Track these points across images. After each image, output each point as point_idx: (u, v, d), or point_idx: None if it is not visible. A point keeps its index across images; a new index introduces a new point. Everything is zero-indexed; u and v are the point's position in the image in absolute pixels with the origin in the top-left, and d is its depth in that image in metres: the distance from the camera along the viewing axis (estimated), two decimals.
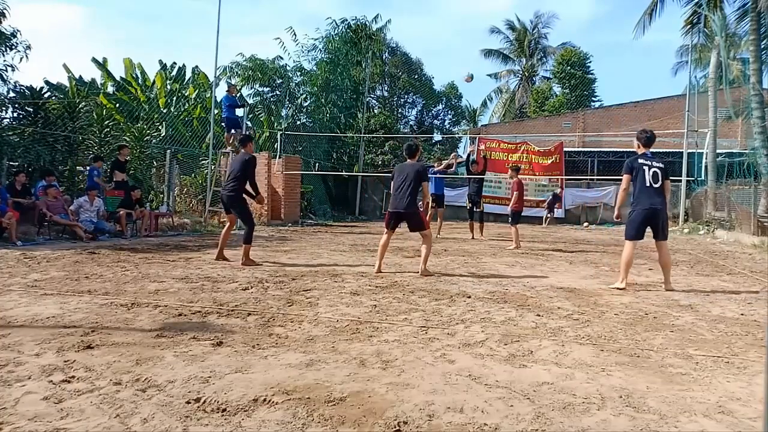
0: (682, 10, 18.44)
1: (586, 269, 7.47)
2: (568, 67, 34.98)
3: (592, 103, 35.06)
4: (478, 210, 12.42)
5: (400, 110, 34.38)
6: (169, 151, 14.15)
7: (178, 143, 15.86)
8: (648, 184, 5.68)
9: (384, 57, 30.45)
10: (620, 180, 5.97)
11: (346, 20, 22.56)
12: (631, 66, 79.95)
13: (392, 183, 6.70)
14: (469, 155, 14.80)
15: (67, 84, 16.93)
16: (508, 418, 2.34)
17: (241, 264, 6.79)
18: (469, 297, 5.09)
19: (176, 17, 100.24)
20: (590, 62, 36.02)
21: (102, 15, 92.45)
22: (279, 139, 17.83)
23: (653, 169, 5.72)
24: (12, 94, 12.76)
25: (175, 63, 19.49)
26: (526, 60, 40.07)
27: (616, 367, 3.08)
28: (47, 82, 16.07)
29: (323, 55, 22.19)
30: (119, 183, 11.48)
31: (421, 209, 7.08)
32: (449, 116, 36.47)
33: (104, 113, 15.00)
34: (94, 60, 18.91)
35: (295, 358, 3.10)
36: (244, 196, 7.14)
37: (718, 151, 18.93)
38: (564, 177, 18.50)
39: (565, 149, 18.67)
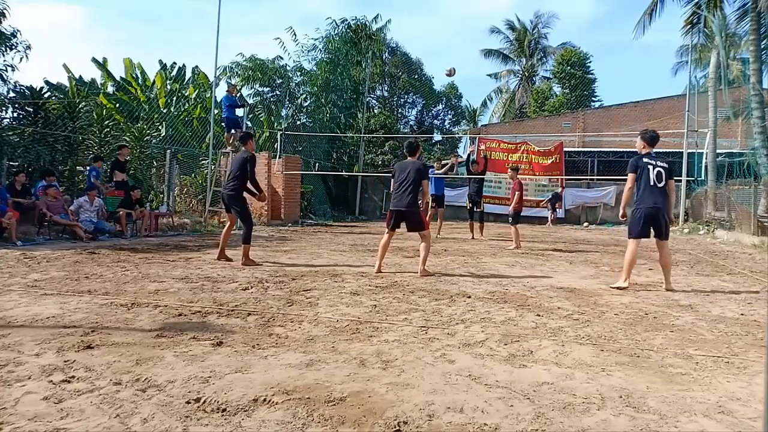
0: (682, 10, 18.48)
1: (586, 269, 7.47)
2: (568, 67, 34.99)
3: (592, 103, 35.08)
4: (478, 210, 12.42)
5: (400, 110, 34.40)
6: (169, 151, 14.15)
7: (178, 143, 15.86)
8: (652, 184, 5.69)
9: (384, 57, 30.46)
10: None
11: (346, 20, 22.57)
12: (631, 66, 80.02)
13: (393, 181, 6.69)
14: (469, 155, 14.80)
15: (67, 84, 16.92)
16: (508, 418, 2.34)
17: (241, 264, 6.79)
18: (469, 297, 5.09)
19: (176, 17, 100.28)
20: (590, 62, 36.07)
21: (102, 15, 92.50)
22: (279, 139, 17.83)
23: (657, 169, 5.73)
24: (12, 94, 12.76)
25: (175, 63, 19.50)
26: (526, 60, 40.08)
27: (616, 367, 3.08)
28: (47, 82, 16.08)
29: (323, 55, 22.19)
30: (119, 183, 11.48)
31: (421, 208, 7.07)
32: (449, 116, 36.52)
33: (104, 113, 14.99)
34: (94, 60, 18.92)
35: (295, 358, 3.10)
36: (245, 195, 7.14)
37: (718, 151, 18.93)
38: (564, 177, 18.50)
39: (565, 149, 18.65)
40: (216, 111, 14.67)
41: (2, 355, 3.01)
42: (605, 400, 2.57)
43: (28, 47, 12.31)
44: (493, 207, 17.77)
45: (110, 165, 11.89)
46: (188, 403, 2.43)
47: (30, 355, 3.03)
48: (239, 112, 14.45)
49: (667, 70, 77.60)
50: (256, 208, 13.54)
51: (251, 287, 5.30)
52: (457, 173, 19.75)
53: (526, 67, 40.06)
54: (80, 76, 17.97)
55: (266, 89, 21.86)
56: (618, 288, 5.72)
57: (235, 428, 2.19)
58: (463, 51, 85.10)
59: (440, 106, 35.63)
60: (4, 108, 12.78)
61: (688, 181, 18.14)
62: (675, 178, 6.02)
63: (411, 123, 34.48)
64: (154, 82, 18.64)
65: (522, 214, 10.79)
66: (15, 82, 12.65)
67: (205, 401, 2.44)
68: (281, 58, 21.79)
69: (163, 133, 16.51)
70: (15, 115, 12.87)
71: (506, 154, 18.15)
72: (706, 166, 18.79)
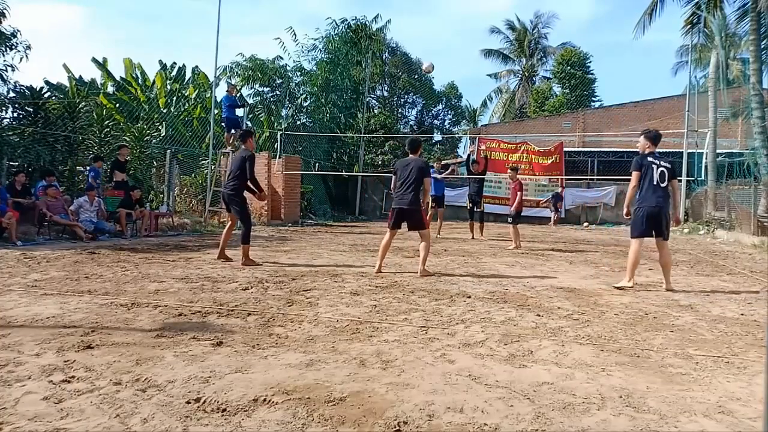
0: (682, 10, 18.46)
1: (586, 269, 7.47)
2: (568, 67, 34.99)
3: (592, 103, 35.08)
4: (478, 210, 12.43)
5: (400, 110, 34.41)
6: (169, 151, 14.15)
7: (178, 143, 15.86)
8: (655, 183, 5.69)
9: (384, 57, 30.45)
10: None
11: (346, 20, 22.56)
12: (631, 66, 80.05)
13: (394, 178, 6.65)
14: (469, 155, 14.82)
15: (67, 84, 16.92)
16: (508, 418, 2.34)
17: (241, 264, 6.79)
18: (469, 297, 5.09)
19: (176, 17, 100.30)
20: (590, 62, 36.07)
21: (102, 15, 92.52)
22: (279, 139, 17.83)
23: (661, 168, 5.73)
24: (12, 94, 12.76)
25: (175, 63, 19.50)
26: (526, 60, 40.07)
27: (616, 367, 3.08)
28: (47, 82, 16.07)
29: (323, 55, 22.19)
30: (119, 183, 11.48)
31: (422, 207, 7.04)
32: (449, 116, 36.54)
33: (104, 113, 14.99)
34: (94, 60, 18.92)
35: (295, 358, 3.10)
36: (246, 194, 7.14)
37: (718, 151, 18.93)
38: (564, 177, 18.51)
39: (565, 149, 18.68)
40: (216, 111, 14.68)
41: (2, 355, 3.01)
42: (605, 400, 2.57)
43: (28, 47, 12.32)
44: (493, 207, 17.77)
45: (110, 165, 11.90)
46: (188, 403, 2.42)
47: (30, 355, 3.03)
48: (239, 112, 14.45)
49: (667, 70, 77.73)
50: (256, 208, 13.55)
51: (251, 287, 5.30)
52: (458, 173, 19.74)
53: (526, 67, 40.06)
54: (80, 76, 17.98)
55: (266, 89, 21.86)
56: (622, 288, 5.71)
57: (235, 428, 2.19)
58: (463, 51, 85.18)
59: (440, 106, 35.66)
60: (4, 108, 12.78)
61: (688, 181, 18.14)
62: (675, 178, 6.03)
63: (411, 123, 34.49)
64: (154, 82, 18.64)
65: (522, 214, 10.79)
66: (15, 82, 12.66)
67: (205, 401, 2.44)
68: (281, 58, 21.81)
69: (163, 133, 16.51)
70: (15, 115, 12.87)
71: (506, 154, 18.18)
72: (706, 166, 18.79)
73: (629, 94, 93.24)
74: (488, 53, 39.73)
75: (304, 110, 22.13)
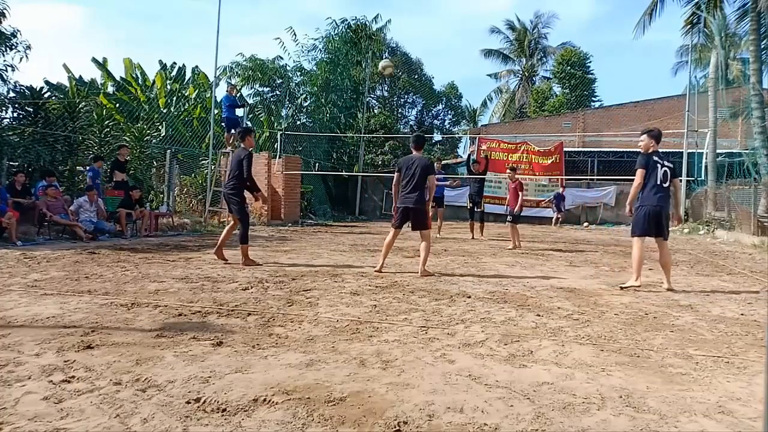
0: (682, 10, 18.48)
1: (586, 269, 7.47)
2: (568, 67, 34.97)
3: (592, 103, 35.06)
4: (479, 210, 12.43)
5: (400, 110, 34.40)
6: (169, 151, 14.15)
7: (178, 143, 15.86)
8: (658, 183, 5.68)
9: (384, 57, 30.44)
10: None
11: (346, 20, 22.57)
12: (631, 66, 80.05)
13: (397, 175, 6.61)
14: (469, 155, 14.81)
15: (67, 84, 16.93)
16: (508, 418, 2.34)
17: (241, 264, 6.79)
18: (469, 297, 5.09)
19: (176, 17, 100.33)
20: (590, 62, 36.04)
21: (102, 15, 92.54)
22: (279, 139, 17.84)
23: (664, 168, 5.72)
24: (12, 94, 12.76)
25: (175, 63, 19.52)
26: (526, 60, 40.07)
27: (616, 367, 3.08)
28: (47, 82, 16.08)
29: (323, 55, 22.20)
30: (119, 183, 11.48)
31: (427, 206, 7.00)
32: (449, 116, 36.52)
33: (104, 113, 15.00)
34: (94, 60, 18.93)
35: (295, 358, 3.10)
36: (246, 194, 7.13)
37: (718, 151, 18.93)
38: (564, 177, 18.50)
39: (565, 149, 18.66)
40: (216, 111, 14.68)
41: (2, 355, 3.01)
42: (605, 400, 2.57)
43: (28, 47, 12.33)
44: (493, 207, 17.76)
45: (110, 165, 11.90)
46: (188, 403, 2.42)
47: (30, 355, 3.03)
48: (239, 112, 14.45)
49: (667, 70, 77.71)
50: (256, 208, 13.54)
51: (251, 287, 5.30)
52: (457, 173, 19.72)
53: (526, 67, 40.05)
54: (80, 76, 17.99)
55: (266, 89, 21.86)
56: (629, 288, 5.69)
57: (235, 428, 2.19)
58: (463, 51, 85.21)
59: (440, 106, 35.64)
60: (4, 108, 12.78)
61: (688, 181, 18.14)
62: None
63: (411, 123, 34.49)
64: (154, 82, 18.65)
65: (522, 214, 10.79)
66: (15, 82, 12.66)
67: (205, 401, 2.44)
68: (281, 58, 21.82)
69: (163, 133, 16.52)
70: (15, 115, 12.87)
71: (506, 154, 18.16)
72: (706, 166, 18.79)
73: (629, 94, 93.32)
74: (488, 53, 39.73)
75: (304, 110, 22.13)
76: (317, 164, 20.79)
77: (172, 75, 19.30)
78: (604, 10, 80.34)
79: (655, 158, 5.75)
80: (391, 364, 3.05)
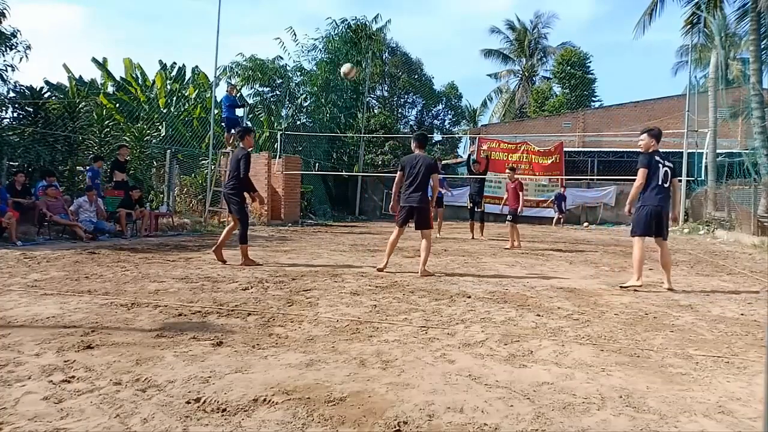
0: (682, 10, 18.48)
1: (586, 269, 7.47)
2: (568, 67, 34.98)
3: (592, 103, 35.08)
4: (479, 210, 12.44)
5: (400, 110, 34.42)
6: (169, 151, 14.15)
7: (178, 143, 15.87)
8: (660, 183, 5.67)
9: (384, 57, 30.45)
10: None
11: (346, 20, 22.56)
12: (631, 66, 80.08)
13: (400, 174, 6.58)
14: (470, 155, 14.82)
15: (67, 84, 16.93)
16: (508, 418, 2.34)
17: (241, 264, 6.79)
18: (469, 297, 5.09)
19: (176, 17, 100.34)
20: (590, 62, 36.07)
21: (102, 15, 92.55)
22: (279, 139, 17.84)
23: (665, 168, 5.71)
24: (12, 94, 12.76)
25: (175, 63, 19.53)
26: (526, 60, 40.07)
27: (616, 367, 3.08)
28: (47, 82, 16.08)
29: (323, 55, 22.20)
30: (119, 183, 11.49)
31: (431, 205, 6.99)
32: (449, 116, 36.55)
33: (104, 113, 15.00)
34: (94, 60, 18.93)
35: (295, 358, 3.10)
36: (246, 194, 7.13)
37: (718, 151, 18.94)
38: (564, 177, 18.52)
39: (565, 149, 18.69)
40: (216, 111, 14.68)
41: (2, 355, 3.01)
42: (605, 400, 2.57)
43: (28, 47, 12.33)
44: (493, 207, 17.78)
45: (110, 165, 11.90)
46: (188, 403, 2.42)
47: (30, 355, 3.03)
48: (239, 112, 14.45)
49: (667, 70, 77.81)
50: (256, 208, 13.55)
51: (251, 287, 5.30)
52: (457, 173, 19.71)
53: (526, 67, 40.05)
54: (80, 76, 17.99)
55: (266, 89, 21.86)
56: (630, 287, 5.68)
57: (235, 428, 2.19)
58: (463, 51, 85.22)
59: (440, 106, 35.67)
60: (4, 108, 12.79)
61: (688, 181, 18.14)
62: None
63: (411, 123, 34.50)
64: (154, 82, 18.65)
65: (522, 214, 10.80)
66: (15, 82, 12.67)
67: (205, 401, 2.44)
68: (281, 58, 21.82)
69: (163, 133, 16.52)
70: (15, 115, 12.88)
71: (506, 154, 18.18)
72: (706, 166, 18.79)
73: (629, 94, 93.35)
74: (488, 53, 39.74)
75: (304, 110, 22.14)
76: (317, 164, 20.79)
77: (172, 75, 19.30)
78: (604, 10, 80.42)
79: (657, 158, 5.73)
80: (391, 364, 3.05)
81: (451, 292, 5.30)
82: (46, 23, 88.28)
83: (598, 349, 3.46)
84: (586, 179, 22.28)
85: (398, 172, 6.66)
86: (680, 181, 16.98)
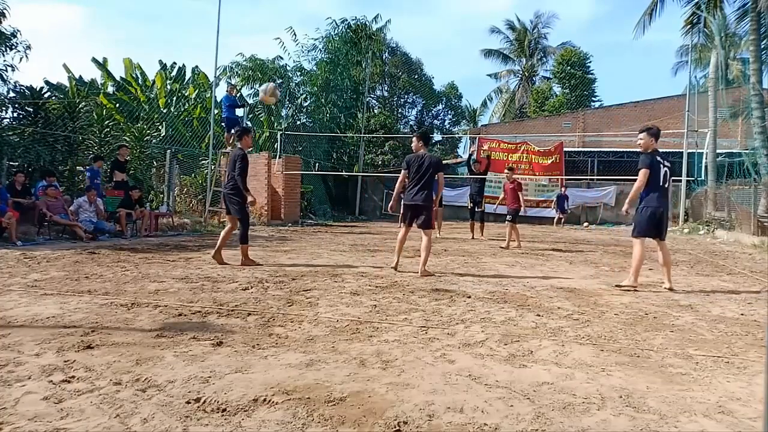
0: (682, 10, 18.47)
1: (586, 269, 7.46)
2: (568, 67, 34.98)
3: (592, 103, 35.07)
4: (479, 210, 12.44)
5: (400, 110, 34.42)
6: (169, 151, 14.16)
7: (178, 143, 15.87)
8: (661, 184, 5.65)
9: (384, 57, 30.47)
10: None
11: (346, 20, 22.58)
12: (631, 66, 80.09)
13: (404, 172, 6.54)
14: (470, 155, 14.82)
15: (67, 84, 16.93)
16: (508, 418, 2.34)
17: (240, 264, 6.79)
18: (469, 297, 5.09)
19: (176, 17, 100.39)
20: (590, 62, 36.07)
21: (102, 15, 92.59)
22: (279, 139, 17.85)
23: (665, 169, 5.68)
24: (12, 94, 12.77)
25: (175, 63, 19.53)
26: (526, 60, 40.07)
27: (616, 367, 3.08)
28: (47, 82, 16.08)
29: (323, 55, 22.21)
30: (119, 183, 11.49)
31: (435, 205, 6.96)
32: (449, 116, 36.56)
33: (104, 113, 15.01)
34: (94, 60, 18.93)
35: (295, 358, 3.10)
36: (245, 194, 7.12)
37: (718, 151, 18.94)
38: (564, 177, 18.51)
39: (565, 149, 18.68)
40: (216, 111, 14.68)
41: (2, 355, 3.01)
42: (605, 400, 2.57)
43: (28, 47, 12.34)
44: (493, 207, 17.79)
45: (110, 165, 11.90)
46: (188, 403, 2.42)
47: (30, 355, 3.03)
48: (239, 112, 14.45)
49: (667, 70, 77.82)
50: (256, 208, 13.55)
51: (251, 287, 5.30)
52: (457, 173, 19.70)
53: (526, 67, 40.05)
54: (80, 76, 17.99)
55: None
56: (626, 287, 5.66)
57: (235, 428, 2.19)
58: (463, 51, 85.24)
59: (440, 106, 35.67)
60: (4, 108, 12.79)
61: (688, 181, 18.14)
62: (675, 178, 5.99)
63: (411, 123, 34.50)
64: (154, 82, 18.65)
65: (521, 214, 10.80)
66: (15, 82, 12.68)
67: (205, 401, 2.44)
68: (281, 58, 21.83)
69: (163, 133, 16.52)
70: (15, 115, 12.88)
71: (506, 154, 18.17)
72: (706, 166, 18.79)
73: (629, 94, 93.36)
74: (488, 53, 39.74)
75: (304, 110, 22.14)
76: (317, 164, 20.79)
77: (172, 75, 19.30)
78: (604, 10, 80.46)
79: (658, 158, 5.70)
80: (391, 364, 3.05)
81: (451, 292, 5.30)
82: (46, 23, 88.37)
83: (598, 349, 3.46)
84: (586, 179, 22.27)
85: (402, 171, 6.62)
86: (679, 181, 17.03)
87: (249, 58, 21.18)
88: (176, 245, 9.23)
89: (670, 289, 5.70)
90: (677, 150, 18.55)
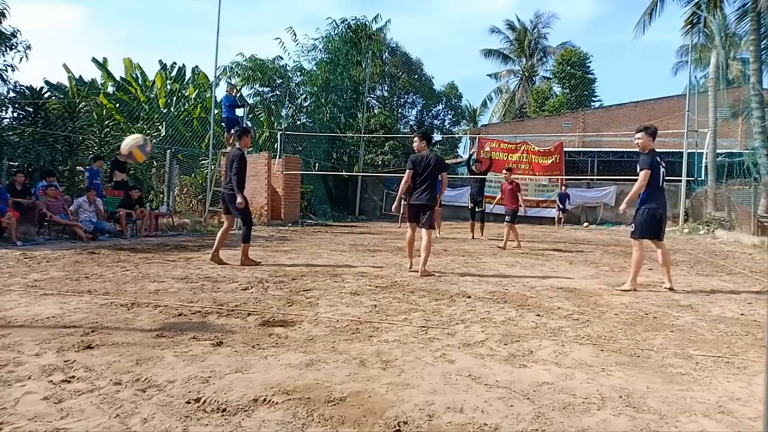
0: (682, 10, 18.45)
1: (586, 269, 7.46)
2: (568, 67, 34.98)
3: (592, 103, 35.07)
4: (479, 210, 12.45)
5: (400, 110, 34.42)
6: (169, 151, 14.16)
7: (178, 143, 15.87)
8: (660, 184, 5.64)
9: (384, 57, 30.48)
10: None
11: (346, 20, 22.58)
12: (631, 66, 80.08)
13: (409, 173, 6.53)
14: (470, 155, 14.82)
15: (67, 84, 16.94)
16: (508, 418, 2.34)
17: (240, 264, 6.79)
18: (469, 297, 5.09)
19: (176, 17, 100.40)
20: (590, 62, 36.06)
21: (102, 15, 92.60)
22: (279, 139, 17.85)
23: (662, 169, 5.68)
24: (12, 94, 12.77)
25: (175, 63, 19.54)
26: (526, 60, 40.07)
27: (616, 367, 3.08)
28: (47, 82, 16.08)
29: (323, 55, 22.21)
30: (119, 183, 11.49)
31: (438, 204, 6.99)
32: (449, 116, 36.55)
33: (104, 113, 15.02)
34: (94, 60, 18.93)
35: (295, 358, 3.10)
36: (247, 194, 7.12)
37: (718, 151, 18.93)
38: (564, 177, 18.49)
39: (565, 149, 18.64)
40: (216, 111, 14.69)
41: (2, 355, 3.01)
42: (605, 400, 2.57)
43: (28, 47, 12.35)
44: (490, 206, 17.78)
45: (110, 165, 11.90)
46: (188, 403, 2.42)
47: (30, 355, 3.03)
48: (239, 112, 14.46)
49: (667, 70, 77.86)
50: (256, 208, 13.55)
51: (251, 287, 5.30)
52: (457, 173, 19.70)
53: (526, 67, 40.05)
54: (80, 76, 17.99)
55: (266, 89, 21.88)
56: (627, 290, 5.65)
57: (235, 428, 2.19)
58: (463, 51, 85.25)
59: (440, 106, 35.66)
60: (4, 108, 12.80)
61: (688, 181, 18.13)
62: (676, 178, 5.99)
63: (411, 123, 34.50)
64: (154, 82, 18.66)
65: (519, 214, 10.80)
66: (15, 82, 12.69)
67: (205, 401, 2.44)
68: (281, 58, 21.83)
69: (163, 133, 16.52)
70: (15, 115, 12.89)
71: (506, 154, 18.12)
72: (706, 166, 18.79)
73: (629, 94, 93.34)
74: (488, 53, 39.74)
75: (304, 110, 22.15)
76: (317, 164, 20.79)
77: (172, 75, 19.31)
78: (604, 10, 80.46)
79: (657, 159, 5.70)
80: (391, 364, 3.05)
81: (451, 292, 5.30)
82: (46, 23, 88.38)
83: (598, 349, 3.46)
84: (586, 179, 22.27)
85: (408, 171, 6.58)
86: (679, 181, 17.03)
87: (249, 58, 21.19)
88: (176, 245, 9.23)
89: (670, 289, 5.70)
90: (677, 150, 18.55)
